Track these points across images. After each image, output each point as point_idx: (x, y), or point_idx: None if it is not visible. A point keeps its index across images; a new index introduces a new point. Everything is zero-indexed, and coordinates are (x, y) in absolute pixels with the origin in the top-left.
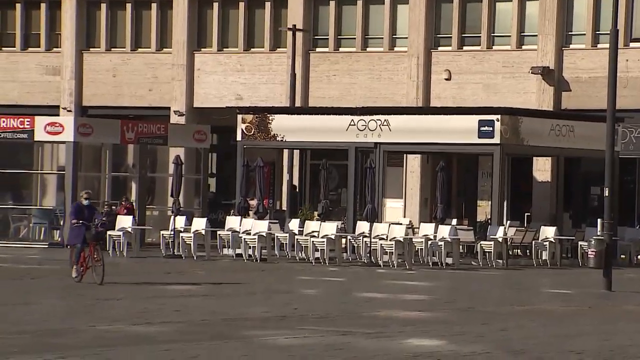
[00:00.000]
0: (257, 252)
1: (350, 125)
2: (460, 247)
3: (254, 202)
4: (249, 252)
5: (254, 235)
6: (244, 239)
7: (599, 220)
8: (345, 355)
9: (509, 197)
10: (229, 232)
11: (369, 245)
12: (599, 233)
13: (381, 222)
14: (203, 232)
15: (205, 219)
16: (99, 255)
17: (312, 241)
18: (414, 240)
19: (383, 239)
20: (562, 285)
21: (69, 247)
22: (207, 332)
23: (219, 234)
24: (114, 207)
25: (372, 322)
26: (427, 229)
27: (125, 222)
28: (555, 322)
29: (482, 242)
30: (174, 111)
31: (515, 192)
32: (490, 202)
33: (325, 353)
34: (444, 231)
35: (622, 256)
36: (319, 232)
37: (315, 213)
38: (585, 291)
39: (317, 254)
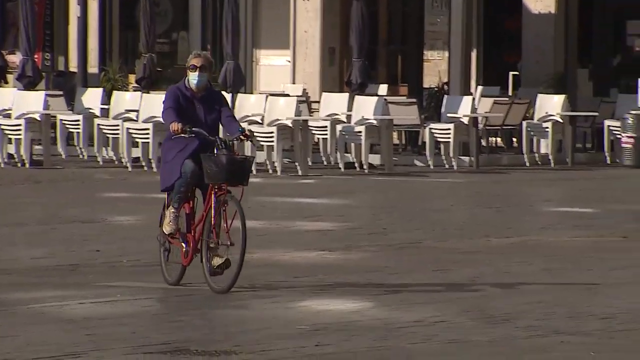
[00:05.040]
0: (26, 150)
1: None
2: (395, 134)
3: (15, 59)
4: (10, 149)
5: (18, 119)
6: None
7: None
8: (182, 334)
9: (482, 45)
10: None
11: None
12: None
13: (252, 93)
14: None
15: None
16: (227, 223)
17: (127, 128)
18: (310, 124)
19: (256, 122)
20: (576, 199)
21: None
22: None
23: None
24: None
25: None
26: (334, 103)
27: None
28: (566, 263)
29: (432, 126)
30: None
31: (493, 35)
32: (447, 54)
33: (152, 329)
34: (366, 107)
35: None
36: (138, 112)
37: (132, 78)
38: (614, 208)
39: (137, 152)
